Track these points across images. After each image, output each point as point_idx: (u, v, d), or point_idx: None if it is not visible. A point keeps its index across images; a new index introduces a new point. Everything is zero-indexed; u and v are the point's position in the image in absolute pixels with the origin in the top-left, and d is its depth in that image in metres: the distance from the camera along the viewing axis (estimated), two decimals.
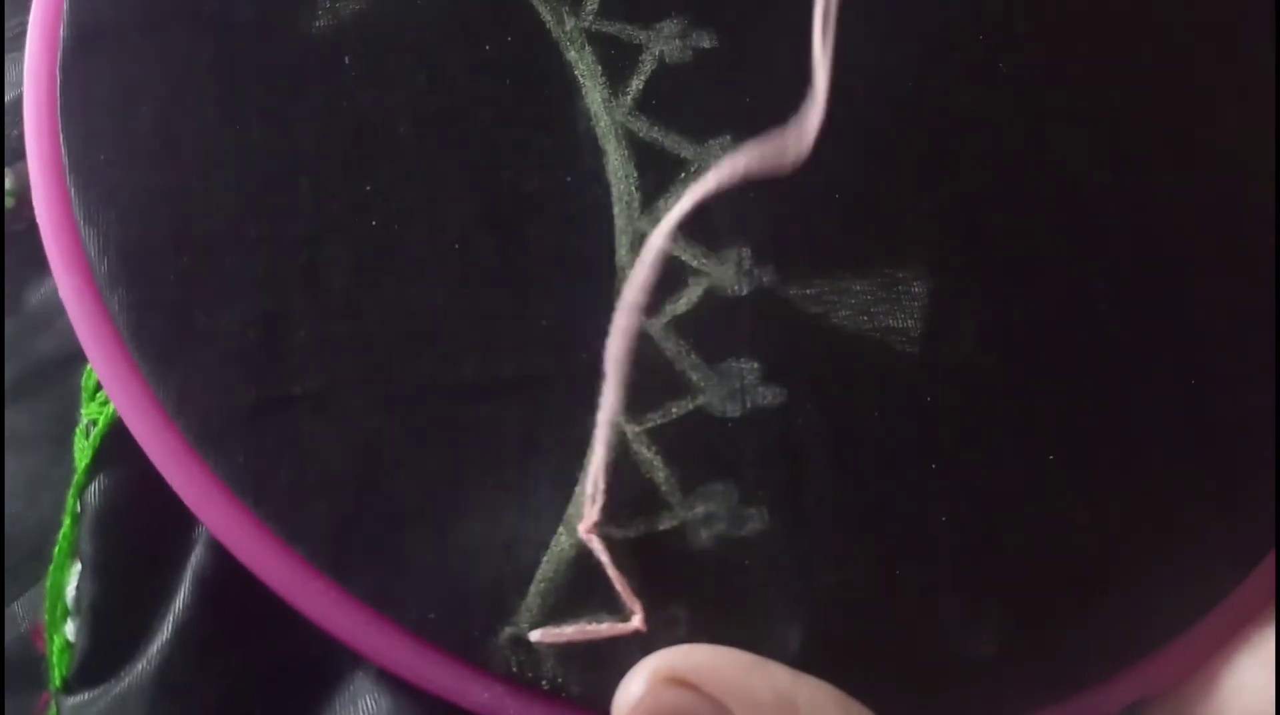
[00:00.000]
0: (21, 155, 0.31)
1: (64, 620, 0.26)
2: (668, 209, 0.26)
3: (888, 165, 0.27)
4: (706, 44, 0.26)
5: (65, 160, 0.25)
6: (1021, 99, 0.27)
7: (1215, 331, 0.26)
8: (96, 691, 0.25)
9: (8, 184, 0.31)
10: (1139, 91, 0.27)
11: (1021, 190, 0.27)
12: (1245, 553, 0.25)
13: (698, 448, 0.24)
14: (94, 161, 0.25)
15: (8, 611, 0.29)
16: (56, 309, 0.31)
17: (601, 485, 0.23)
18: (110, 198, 0.25)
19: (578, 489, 0.24)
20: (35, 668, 0.28)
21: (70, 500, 0.26)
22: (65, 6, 0.26)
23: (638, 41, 0.26)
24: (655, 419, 0.24)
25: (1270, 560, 0.26)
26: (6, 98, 0.32)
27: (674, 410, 0.24)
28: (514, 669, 0.22)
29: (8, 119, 0.31)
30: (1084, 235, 0.27)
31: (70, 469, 0.28)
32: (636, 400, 0.24)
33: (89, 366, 0.27)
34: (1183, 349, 0.26)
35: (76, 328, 0.24)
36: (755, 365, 0.25)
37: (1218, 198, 0.27)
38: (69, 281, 0.25)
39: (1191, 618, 0.25)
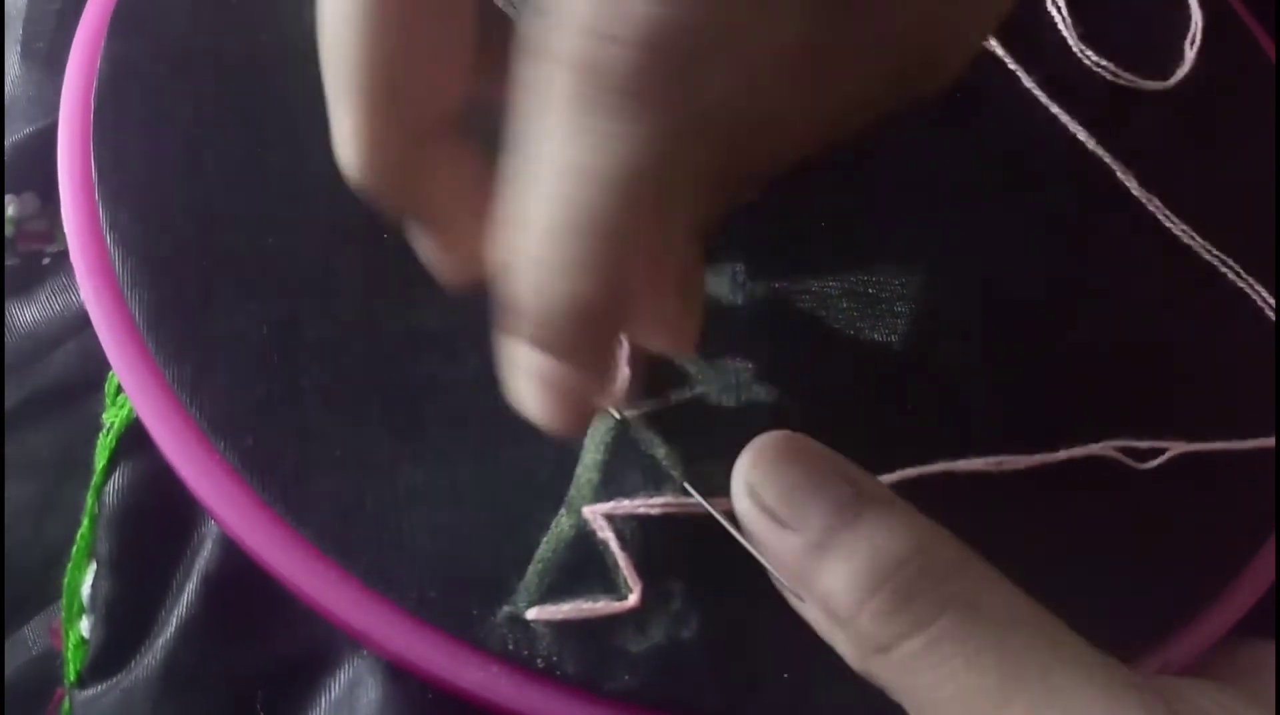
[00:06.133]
0: (24, 187, 0.33)
1: (79, 617, 0.26)
2: None
3: (869, 194, 0.29)
4: None
5: (94, 176, 0.27)
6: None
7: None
8: (107, 684, 0.25)
9: (9, 211, 0.32)
10: None
11: (987, 214, 0.29)
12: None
13: (696, 431, 0.25)
14: (122, 177, 0.27)
15: (18, 636, 0.29)
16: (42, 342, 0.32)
17: None
18: (135, 209, 0.26)
19: (578, 471, 0.24)
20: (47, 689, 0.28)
21: (89, 501, 0.27)
22: (104, 42, 0.28)
23: None
24: (655, 404, 0.25)
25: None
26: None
27: (672, 398, 0.25)
28: (510, 647, 0.22)
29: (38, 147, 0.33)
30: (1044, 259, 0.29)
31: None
32: (636, 389, 0.25)
33: (111, 373, 0.28)
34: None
35: (96, 325, 0.25)
36: (749, 364, 0.26)
37: None
38: (91, 282, 0.26)
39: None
